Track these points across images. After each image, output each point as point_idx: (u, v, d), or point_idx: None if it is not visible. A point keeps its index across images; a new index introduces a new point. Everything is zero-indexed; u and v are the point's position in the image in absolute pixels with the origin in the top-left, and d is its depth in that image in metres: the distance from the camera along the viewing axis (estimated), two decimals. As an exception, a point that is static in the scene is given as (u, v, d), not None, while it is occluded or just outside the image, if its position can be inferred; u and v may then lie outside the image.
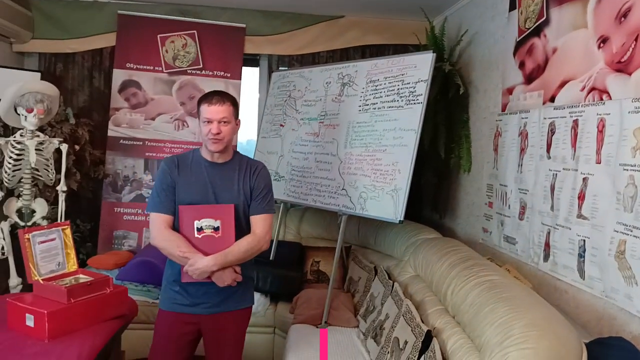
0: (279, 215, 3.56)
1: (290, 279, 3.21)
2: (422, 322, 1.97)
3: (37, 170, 3.05)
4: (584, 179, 2.00)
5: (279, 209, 3.60)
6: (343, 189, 2.96)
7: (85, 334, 1.91)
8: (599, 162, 1.92)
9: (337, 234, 2.94)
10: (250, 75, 4.18)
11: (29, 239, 2.07)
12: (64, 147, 3.14)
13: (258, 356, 3.09)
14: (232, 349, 2.07)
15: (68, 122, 3.49)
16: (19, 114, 2.96)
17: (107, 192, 3.81)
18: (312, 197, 3.14)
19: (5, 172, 2.98)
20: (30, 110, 2.92)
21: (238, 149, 4.00)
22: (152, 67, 3.87)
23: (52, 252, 2.15)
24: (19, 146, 2.97)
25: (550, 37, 2.33)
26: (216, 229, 1.92)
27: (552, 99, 2.28)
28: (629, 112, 1.78)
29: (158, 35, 3.85)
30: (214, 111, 1.91)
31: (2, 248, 3.05)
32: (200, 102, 1.97)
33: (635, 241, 1.73)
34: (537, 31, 2.43)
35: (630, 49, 1.78)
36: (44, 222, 3.04)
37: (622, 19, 1.84)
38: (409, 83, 2.80)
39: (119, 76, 3.83)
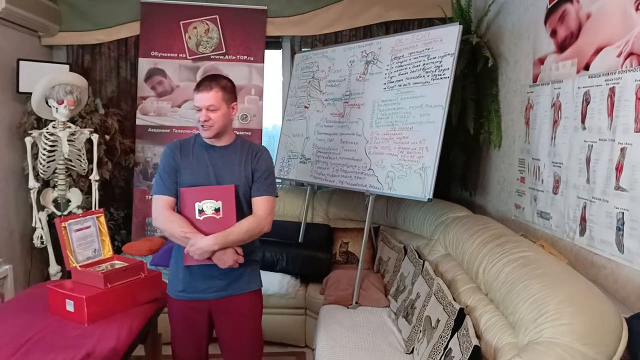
0: (306, 198, 3.57)
1: (319, 261, 3.23)
2: (454, 300, 1.94)
3: (70, 160, 3.14)
4: (622, 150, 1.91)
5: (305, 191, 3.61)
6: (370, 169, 2.93)
7: (122, 317, 1.98)
8: (638, 130, 1.83)
9: (365, 215, 2.93)
10: (274, 58, 4.16)
11: (65, 228, 2.14)
12: (95, 137, 3.21)
13: (290, 337, 3.14)
14: (245, 332, 2.03)
15: (97, 113, 3.56)
16: (50, 106, 3.05)
17: (138, 180, 3.89)
18: (338, 178, 3.12)
19: (40, 163, 3.09)
20: (60, 102, 3.00)
21: (263, 135, 4.06)
22: (176, 55, 3.90)
23: (88, 240, 2.22)
24: (52, 138, 3.06)
25: (584, 2, 2.21)
26: (217, 210, 1.91)
27: (587, 67, 2.17)
28: (671, 77, 1.68)
29: (180, 22, 3.86)
30: (200, 99, 1.91)
31: (41, 237, 3.17)
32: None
33: (678, 212, 1.65)
34: (569, -4, 2.31)
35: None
36: (80, 211, 3.14)
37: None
38: (435, 58, 2.73)
39: (144, 65, 3.88)
